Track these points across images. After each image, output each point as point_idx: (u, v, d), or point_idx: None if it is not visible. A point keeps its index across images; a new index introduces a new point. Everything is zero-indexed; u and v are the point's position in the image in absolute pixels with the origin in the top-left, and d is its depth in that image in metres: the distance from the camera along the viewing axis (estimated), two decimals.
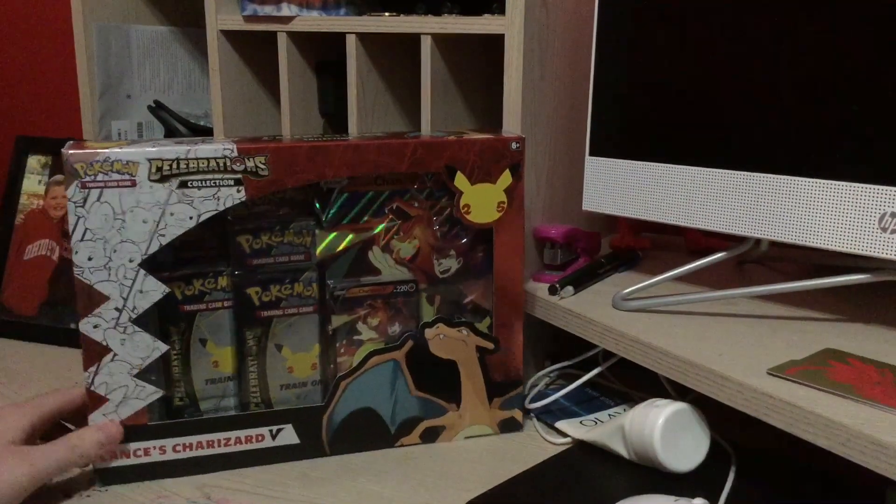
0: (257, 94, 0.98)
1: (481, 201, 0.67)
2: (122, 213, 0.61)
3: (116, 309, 0.62)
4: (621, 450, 0.65)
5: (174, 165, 0.61)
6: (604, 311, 0.71)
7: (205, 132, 1.02)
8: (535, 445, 0.70)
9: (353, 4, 0.88)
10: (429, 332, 0.69)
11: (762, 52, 0.61)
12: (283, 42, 0.87)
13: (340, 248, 0.68)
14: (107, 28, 1.00)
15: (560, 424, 0.72)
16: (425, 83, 0.79)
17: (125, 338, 0.63)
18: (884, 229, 0.56)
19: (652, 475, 0.63)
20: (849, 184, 0.57)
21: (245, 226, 0.66)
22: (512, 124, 0.74)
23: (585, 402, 0.76)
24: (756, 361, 0.59)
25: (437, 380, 0.69)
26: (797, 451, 0.64)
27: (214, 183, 0.62)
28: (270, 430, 0.67)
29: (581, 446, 0.69)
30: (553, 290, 0.75)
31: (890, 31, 0.54)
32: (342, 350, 0.69)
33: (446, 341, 0.69)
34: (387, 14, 0.82)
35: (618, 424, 0.65)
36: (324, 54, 0.92)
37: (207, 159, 0.61)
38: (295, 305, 0.68)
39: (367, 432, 0.69)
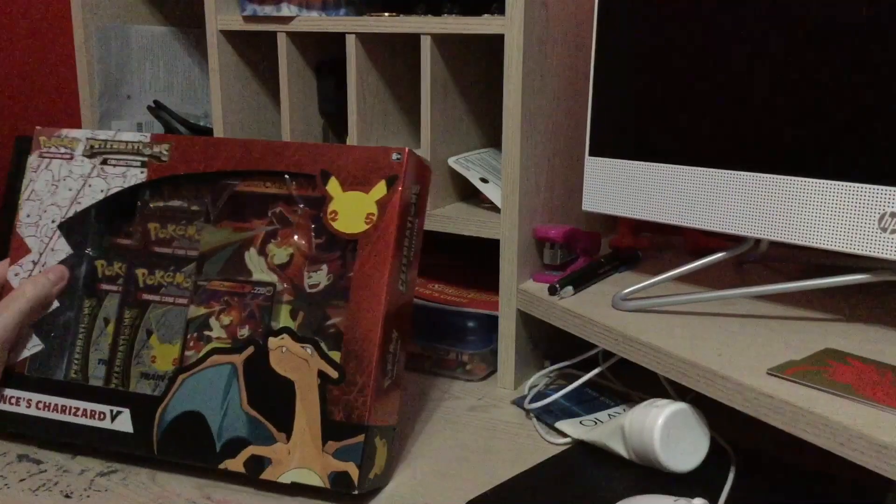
0: (257, 94, 0.98)
1: (350, 210, 0.63)
2: (58, 180, 0.71)
3: (33, 262, 0.70)
4: (621, 450, 0.65)
5: (103, 145, 0.71)
6: (603, 311, 0.71)
7: (205, 132, 1.02)
8: (535, 445, 0.70)
9: (353, 4, 0.88)
10: (272, 342, 0.63)
11: (762, 51, 0.61)
12: (283, 42, 0.87)
13: (219, 243, 0.68)
14: (107, 29, 1.00)
15: (560, 424, 0.72)
16: (425, 83, 0.79)
17: None
18: (884, 229, 0.56)
19: (652, 475, 0.63)
20: (849, 184, 0.57)
21: (157, 214, 0.70)
22: (512, 124, 0.74)
23: (585, 402, 0.76)
24: (756, 361, 0.59)
25: (272, 399, 0.62)
26: (797, 451, 0.64)
27: (126, 163, 0.70)
28: (111, 411, 0.66)
29: (581, 446, 0.69)
30: (553, 290, 0.75)
31: (889, 31, 0.54)
32: (191, 343, 0.66)
33: (287, 356, 0.62)
34: (387, 14, 0.82)
35: (617, 424, 0.65)
36: (324, 54, 0.92)
37: (127, 142, 0.70)
38: (172, 295, 0.68)
39: (194, 441, 0.64)
